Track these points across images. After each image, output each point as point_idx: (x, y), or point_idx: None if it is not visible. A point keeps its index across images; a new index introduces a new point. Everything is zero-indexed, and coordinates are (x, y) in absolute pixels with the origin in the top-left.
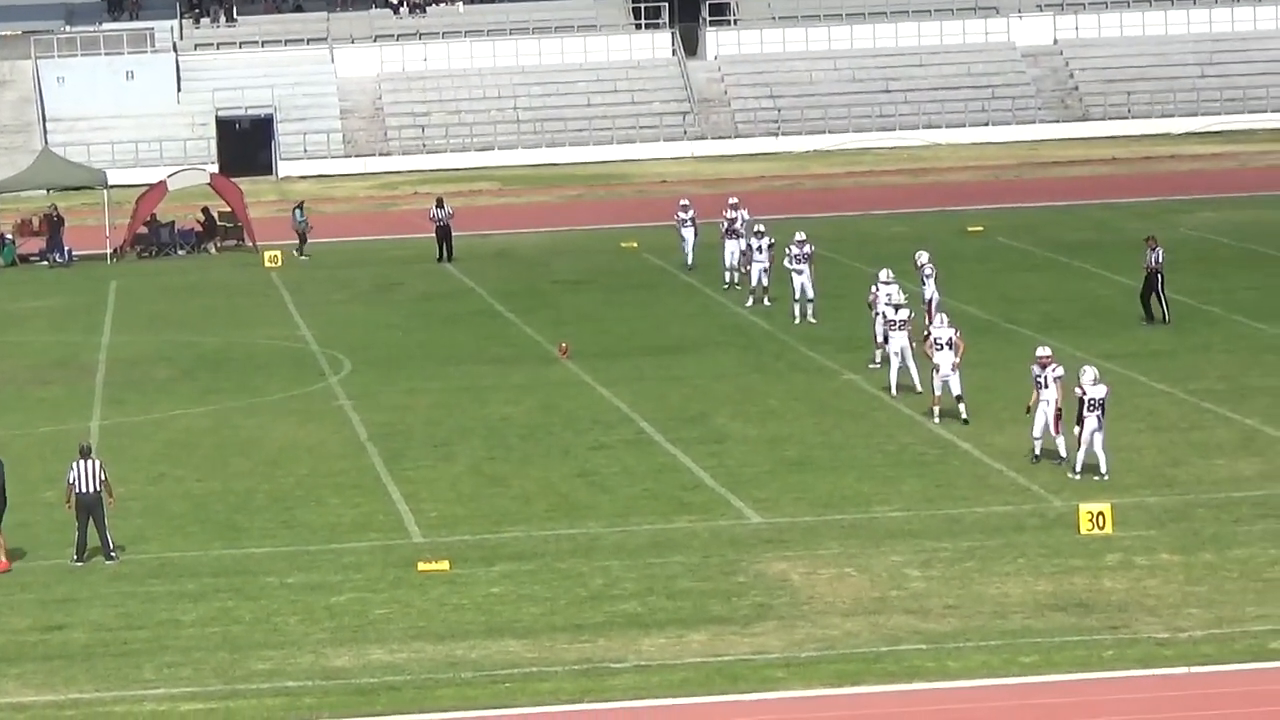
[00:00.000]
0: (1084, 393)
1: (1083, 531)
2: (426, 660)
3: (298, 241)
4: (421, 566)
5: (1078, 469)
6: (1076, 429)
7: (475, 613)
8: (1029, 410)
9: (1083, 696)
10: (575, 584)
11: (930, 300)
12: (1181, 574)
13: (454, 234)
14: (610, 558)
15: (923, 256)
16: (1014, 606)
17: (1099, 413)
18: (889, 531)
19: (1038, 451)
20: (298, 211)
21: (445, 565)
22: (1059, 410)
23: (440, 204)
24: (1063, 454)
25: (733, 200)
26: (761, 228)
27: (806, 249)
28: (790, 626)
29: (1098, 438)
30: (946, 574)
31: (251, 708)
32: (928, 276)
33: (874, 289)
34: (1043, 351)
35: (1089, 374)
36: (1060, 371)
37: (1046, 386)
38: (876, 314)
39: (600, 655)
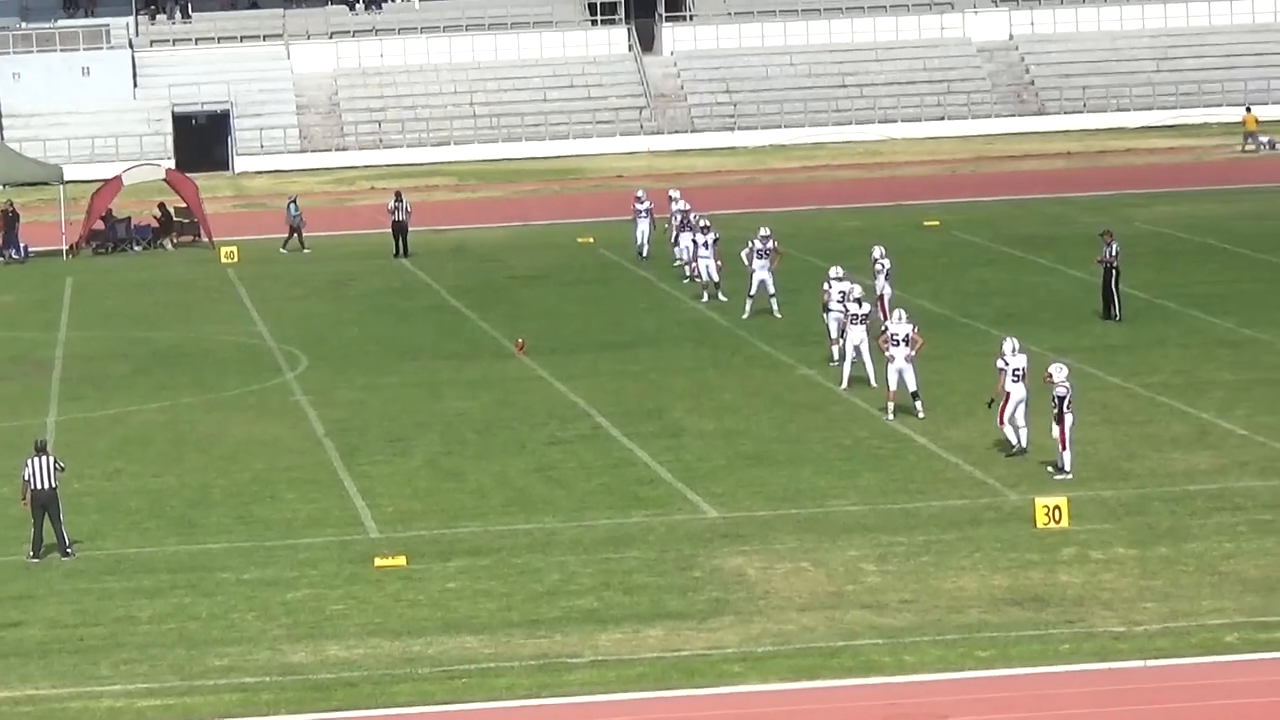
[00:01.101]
0: (1056, 388)
1: (1039, 525)
2: (383, 656)
3: (286, 235)
4: (378, 562)
5: (1067, 468)
6: (1056, 428)
7: (432, 608)
8: (991, 404)
9: (1039, 690)
10: (531, 579)
11: (882, 294)
12: (1137, 568)
13: (410, 229)
14: (566, 553)
15: (878, 251)
16: (970, 601)
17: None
18: (845, 526)
19: (1024, 444)
20: (292, 205)
21: (402, 561)
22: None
23: (399, 198)
24: (1014, 441)
25: (673, 193)
26: (707, 223)
27: (770, 244)
28: (747, 621)
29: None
30: (902, 568)
31: (208, 704)
32: (878, 272)
33: (826, 286)
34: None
35: (1061, 372)
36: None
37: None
38: (829, 311)
39: (557, 650)
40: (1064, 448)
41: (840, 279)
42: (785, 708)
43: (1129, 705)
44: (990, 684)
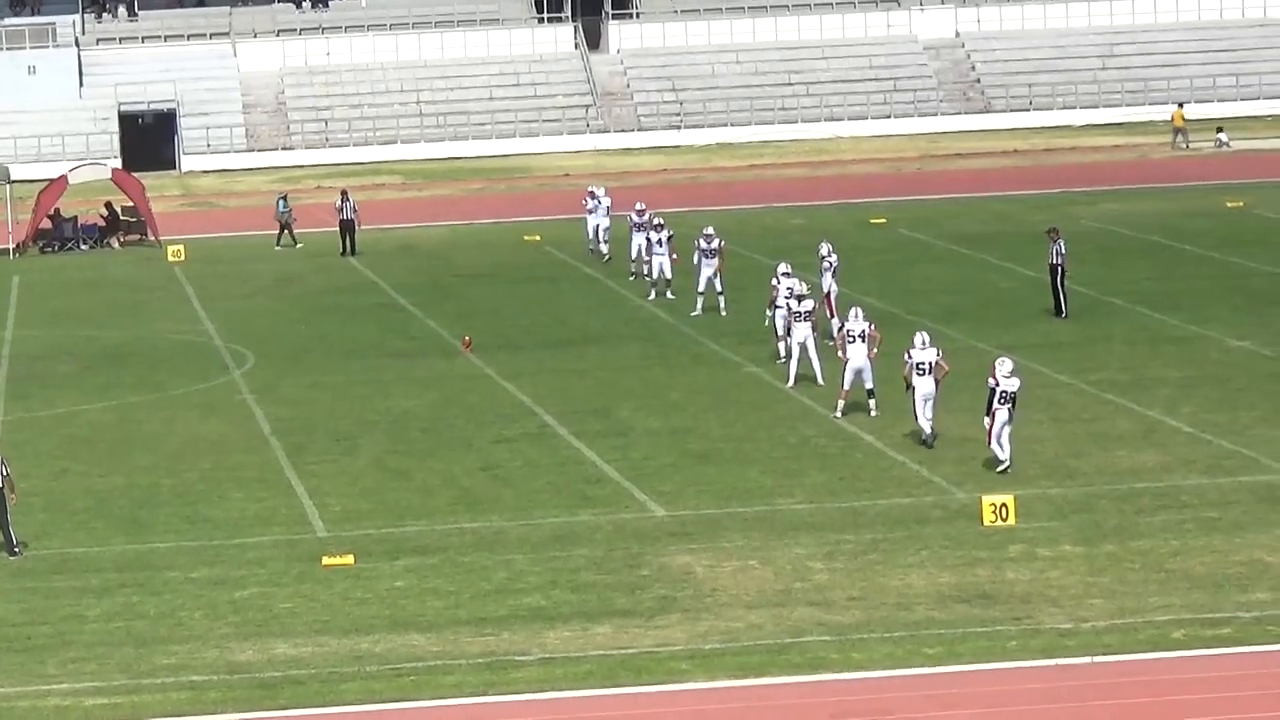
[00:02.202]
0: (998, 384)
1: (986, 523)
2: (331, 654)
3: (278, 232)
4: (326, 561)
5: (1005, 458)
6: (987, 420)
7: (379, 607)
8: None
9: (986, 687)
10: (479, 578)
11: (829, 292)
12: (1084, 565)
13: (358, 228)
14: (514, 551)
15: (825, 248)
16: (917, 598)
17: (1010, 405)
18: (792, 524)
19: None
20: (281, 202)
21: (349, 559)
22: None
23: (345, 197)
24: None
25: (592, 189)
26: (660, 221)
27: (715, 243)
28: (694, 619)
29: (1006, 430)
30: (850, 566)
31: (156, 702)
32: (825, 269)
33: (775, 283)
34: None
35: (1005, 366)
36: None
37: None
38: (777, 308)
39: (504, 648)
40: (990, 440)
41: (788, 275)
42: (733, 705)
43: (1076, 702)
44: (938, 681)
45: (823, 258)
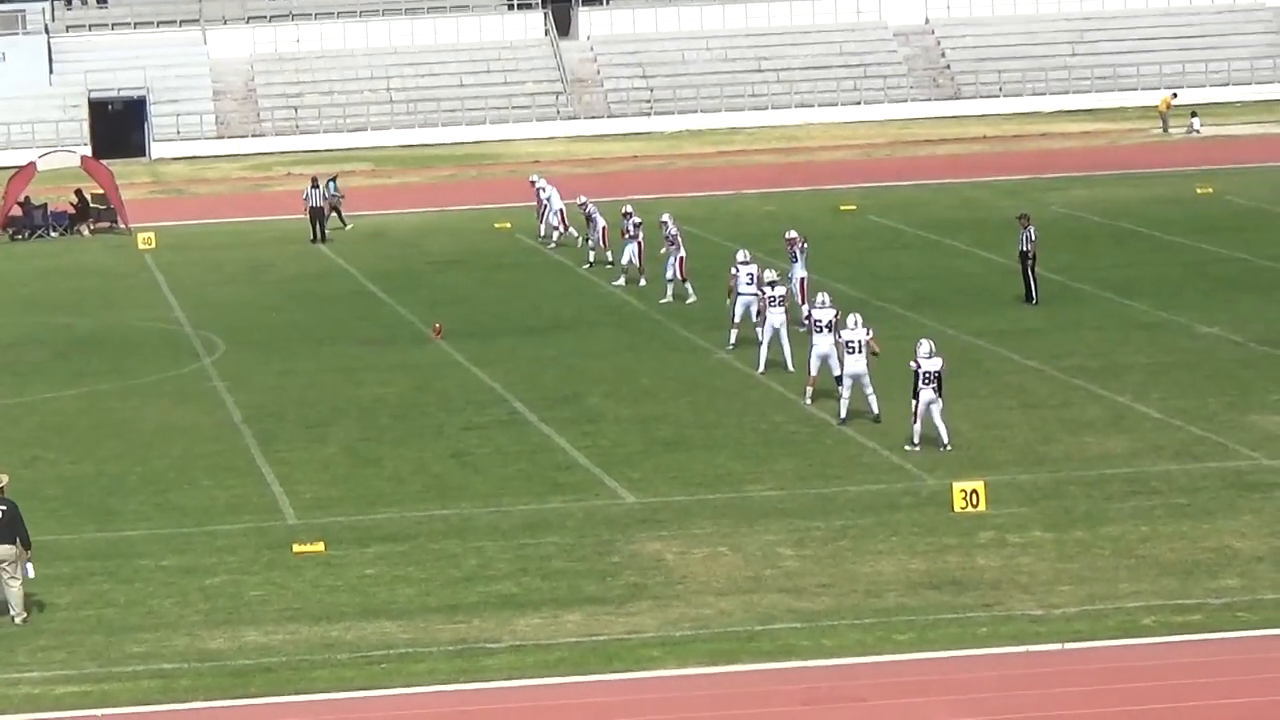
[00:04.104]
0: (919, 366)
1: (956, 509)
2: (301, 642)
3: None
4: (296, 548)
5: (916, 441)
6: (913, 401)
7: (350, 594)
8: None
9: (957, 673)
10: (449, 565)
11: (801, 279)
12: (1054, 551)
13: (327, 215)
14: (484, 538)
15: (792, 233)
16: (888, 584)
17: (935, 385)
18: (762, 510)
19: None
20: (331, 184)
21: (320, 547)
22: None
23: (315, 184)
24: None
25: (533, 177)
26: (629, 209)
27: (670, 230)
28: (665, 606)
29: (935, 409)
30: (820, 553)
31: (126, 690)
32: (795, 256)
33: (734, 270)
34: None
35: (924, 347)
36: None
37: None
38: (739, 295)
39: (475, 636)
40: (914, 419)
41: (747, 262)
42: (704, 692)
43: (1046, 688)
44: (908, 667)
45: (792, 243)
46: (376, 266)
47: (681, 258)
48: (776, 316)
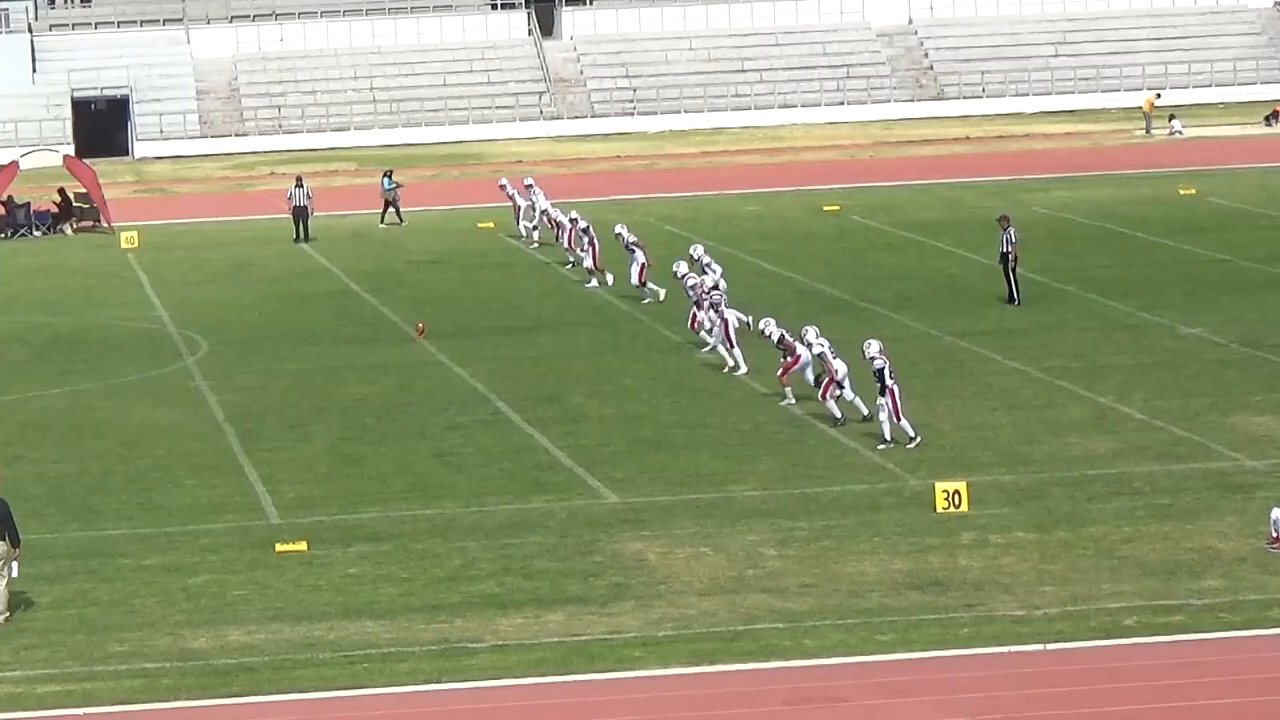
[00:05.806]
0: (884, 364)
1: (938, 510)
2: (284, 641)
3: (382, 209)
4: (279, 548)
5: (888, 438)
6: (887, 401)
7: (333, 594)
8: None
9: (939, 674)
10: (432, 564)
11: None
12: (1036, 552)
13: (312, 214)
14: (467, 538)
15: (698, 250)
16: (870, 585)
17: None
18: (745, 511)
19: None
20: (386, 179)
21: (303, 546)
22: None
23: (300, 183)
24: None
25: (502, 181)
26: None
27: (629, 239)
28: (647, 606)
29: (884, 404)
30: (803, 553)
31: (109, 689)
32: (706, 266)
33: (683, 283)
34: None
35: (873, 347)
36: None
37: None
38: (698, 306)
39: (458, 635)
40: (898, 418)
41: (687, 276)
42: (686, 692)
43: (1029, 689)
44: (890, 667)
45: (696, 259)
46: (359, 266)
47: (643, 264)
48: (731, 315)
